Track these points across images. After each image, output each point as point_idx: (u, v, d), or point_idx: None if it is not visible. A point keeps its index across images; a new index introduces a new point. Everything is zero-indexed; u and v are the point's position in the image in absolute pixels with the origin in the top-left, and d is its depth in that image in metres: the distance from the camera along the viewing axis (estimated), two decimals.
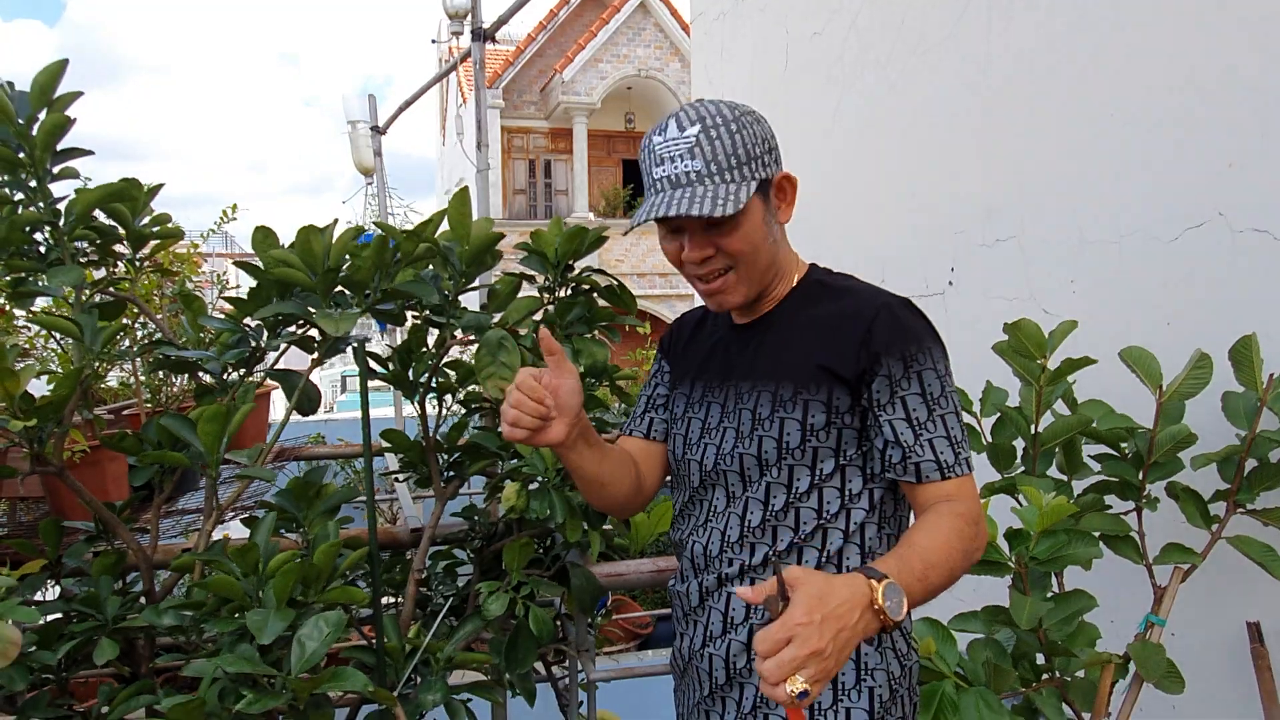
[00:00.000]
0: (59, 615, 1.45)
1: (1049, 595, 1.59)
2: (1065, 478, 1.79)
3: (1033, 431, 1.76)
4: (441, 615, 1.53)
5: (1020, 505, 1.59)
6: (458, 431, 1.85)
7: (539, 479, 1.56)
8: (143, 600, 1.56)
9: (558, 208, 18.13)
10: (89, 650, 1.49)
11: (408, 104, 4.47)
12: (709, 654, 1.28)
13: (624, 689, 2.94)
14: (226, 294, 1.74)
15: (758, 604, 0.95)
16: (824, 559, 1.21)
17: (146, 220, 1.78)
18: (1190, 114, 2.00)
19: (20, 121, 1.50)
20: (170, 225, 1.82)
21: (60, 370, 1.99)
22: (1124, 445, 1.73)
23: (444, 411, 1.91)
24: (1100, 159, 2.23)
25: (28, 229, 1.50)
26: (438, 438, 1.81)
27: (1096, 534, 1.61)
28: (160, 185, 1.81)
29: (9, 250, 1.48)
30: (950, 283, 2.80)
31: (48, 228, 1.54)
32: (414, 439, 1.84)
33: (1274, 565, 1.56)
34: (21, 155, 1.53)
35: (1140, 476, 1.69)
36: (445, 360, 1.79)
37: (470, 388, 1.86)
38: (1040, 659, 1.56)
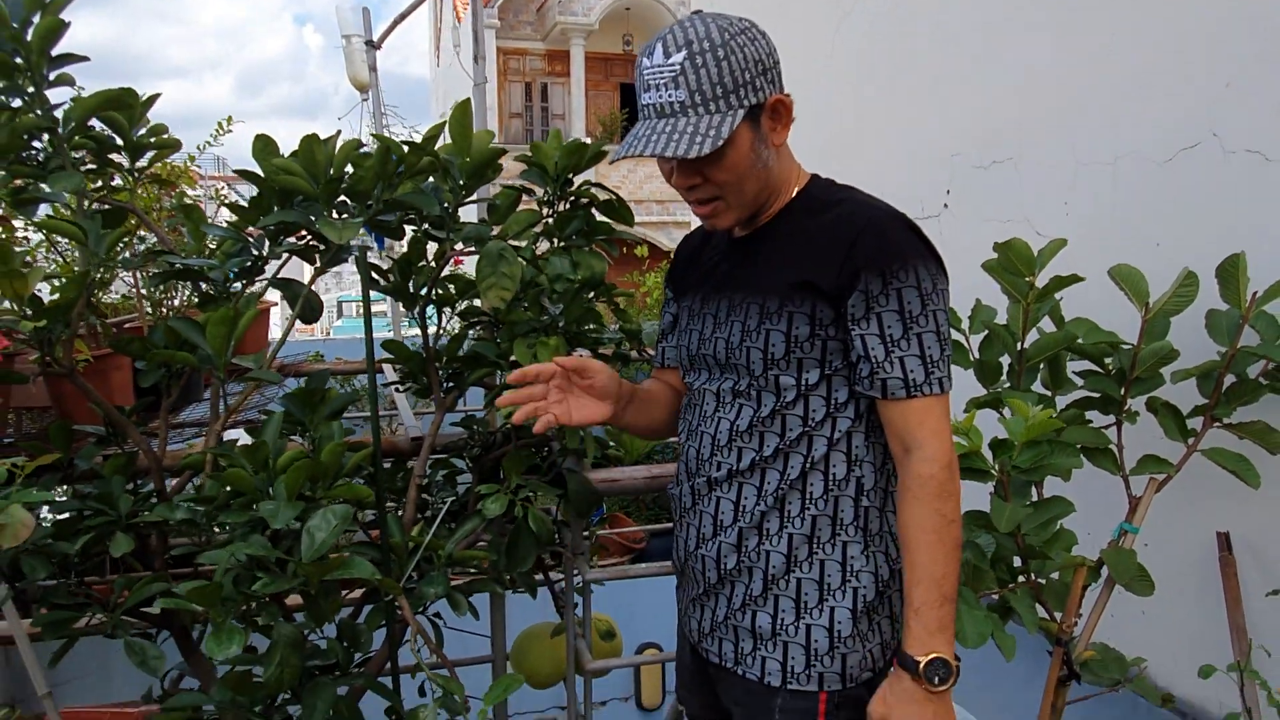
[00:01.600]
0: (72, 514, 1.51)
1: (1028, 503, 1.66)
2: (1050, 393, 1.84)
3: (1019, 348, 1.80)
4: (440, 518, 1.59)
5: (1006, 418, 1.64)
6: (456, 343, 1.88)
7: None
8: (153, 500, 1.62)
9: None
10: (102, 551, 1.56)
11: (403, 17, 4.38)
12: (701, 555, 1.33)
13: (616, 597, 3.05)
14: (228, 204, 1.75)
15: None
16: (809, 464, 1.25)
17: (144, 131, 1.79)
18: (1187, 35, 2.00)
19: (15, 25, 1.50)
20: (167, 136, 1.82)
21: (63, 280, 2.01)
22: (1108, 361, 1.78)
23: (443, 324, 1.94)
24: (1096, 81, 2.23)
25: (26, 136, 1.50)
26: (437, 349, 1.84)
27: (1078, 446, 1.67)
28: (157, 95, 1.80)
29: (9, 157, 1.48)
30: (946, 205, 2.82)
31: (46, 134, 1.55)
32: (414, 351, 1.88)
33: (1248, 473, 1.62)
34: (17, 60, 1.52)
35: (1122, 392, 1.74)
36: (444, 273, 1.81)
37: (469, 301, 1.89)
38: (1018, 562, 1.63)
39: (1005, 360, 1.84)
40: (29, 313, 1.33)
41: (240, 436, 1.93)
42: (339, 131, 1.59)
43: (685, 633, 1.44)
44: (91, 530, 1.40)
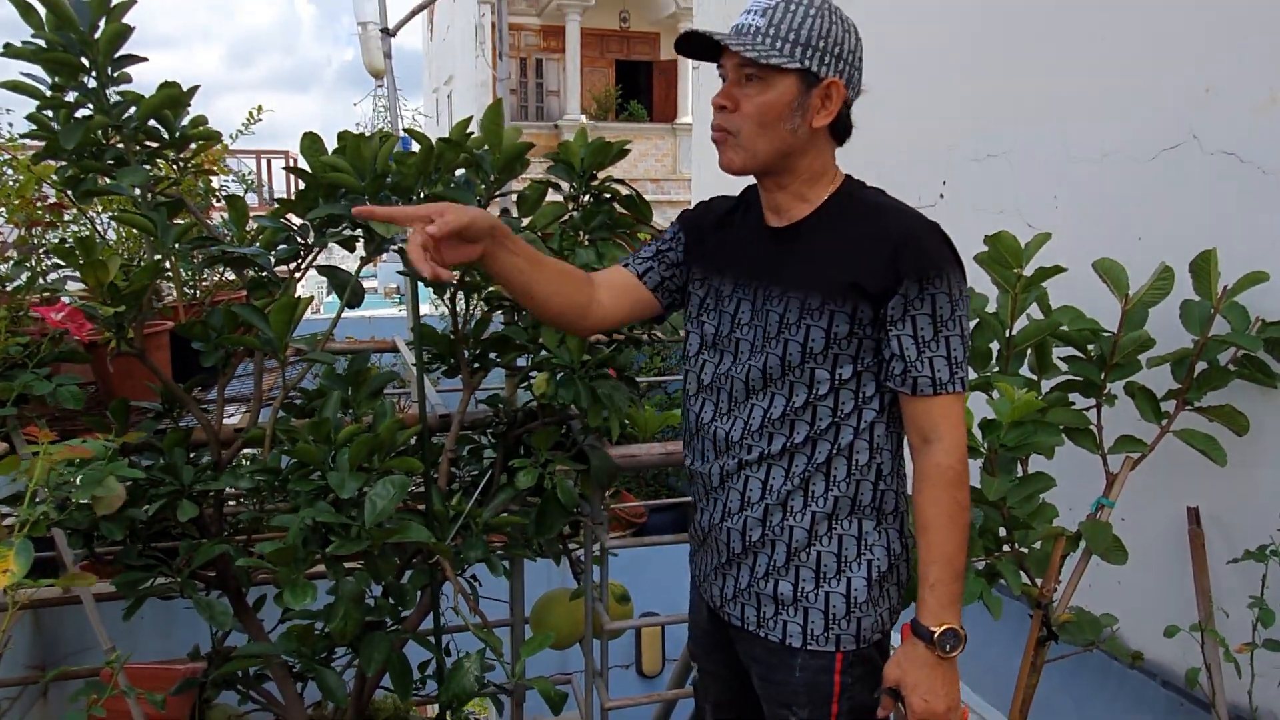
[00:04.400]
0: (141, 483, 1.63)
1: (1014, 478, 1.80)
2: (1035, 377, 1.98)
3: (1007, 334, 1.94)
4: (480, 488, 1.72)
5: (994, 399, 1.78)
6: (482, 326, 2.01)
7: (566, 369, 1.74)
8: (208, 472, 1.75)
9: (549, 109, 17.86)
10: (163, 518, 1.69)
11: (422, 7, 4.45)
12: (727, 528, 1.43)
13: (615, 569, 3.20)
14: (277, 197, 1.87)
15: None
16: (834, 450, 1.36)
17: (186, 122, 1.89)
18: (1171, 38, 2.12)
19: (83, 29, 1.61)
20: (206, 128, 1.93)
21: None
22: (1090, 348, 1.92)
23: (470, 309, 2.07)
24: (1087, 80, 2.36)
25: (96, 134, 1.62)
26: (465, 332, 1.97)
27: (1060, 426, 1.81)
28: (196, 87, 1.91)
29: (82, 152, 1.60)
30: (941, 195, 2.95)
31: (112, 131, 1.66)
32: (443, 334, 2.00)
33: (1215, 452, 1.77)
34: (84, 61, 1.64)
35: (1102, 376, 1.89)
36: None
37: (494, 287, 2.02)
38: (1003, 532, 1.78)
39: (995, 346, 1.98)
40: (108, 299, 1.45)
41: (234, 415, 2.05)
42: (382, 131, 1.71)
43: (704, 597, 1.55)
44: (162, 498, 1.53)
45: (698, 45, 1.36)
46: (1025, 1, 2.56)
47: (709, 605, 1.54)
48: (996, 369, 1.99)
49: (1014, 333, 1.93)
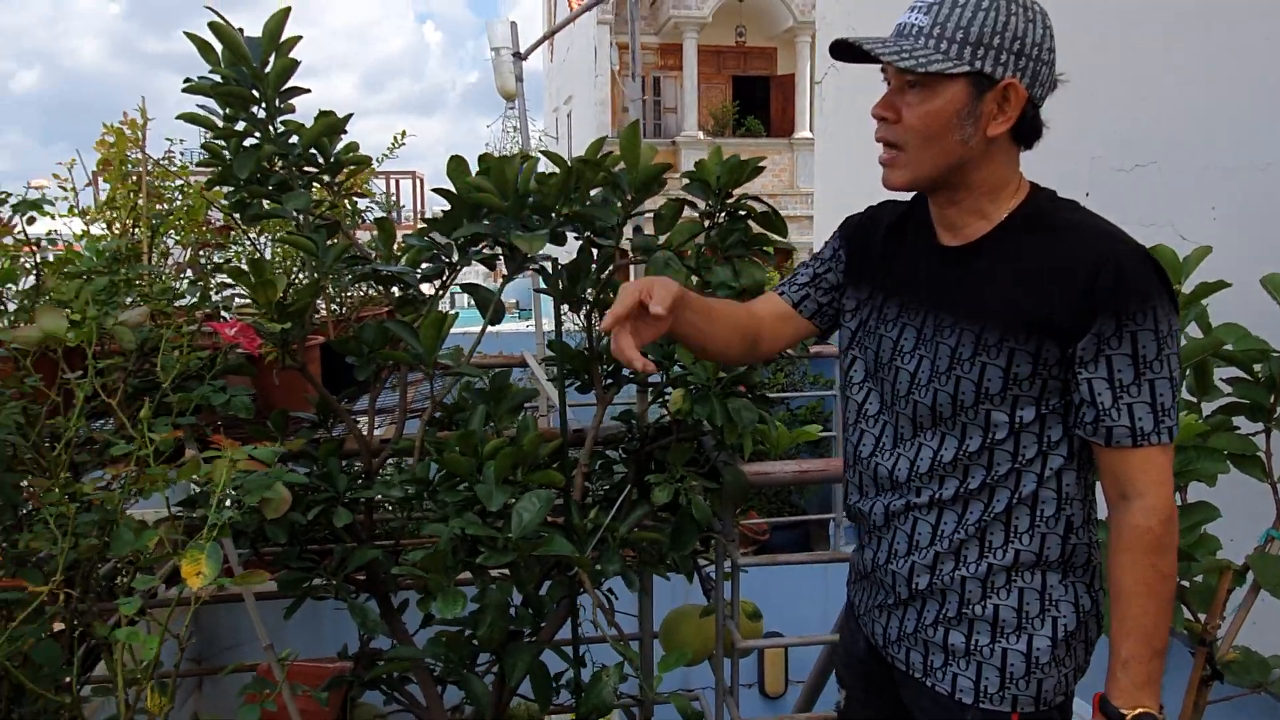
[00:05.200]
0: (299, 489, 1.73)
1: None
2: (1195, 399, 1.86)
3: None
4: (619, 504, 1.75)
5: None
6: None
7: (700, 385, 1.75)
8: (359, 480, 1.84)
9: (666, 126, 18.04)
10: (318, 523, 1.78)
11: (551, 34, 4.61)
12: (892, 570, 1.31)
13: (747, 586, 3.18)
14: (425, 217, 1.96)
15: None
16: (1015, 499, 1.21)
17: (339, 148, 2.00)
18: None
19: (254, 65, 1.73)
20: (358, 154, 2.04)
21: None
22: (1257, 368, 1.80)
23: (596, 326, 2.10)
24: (1248, 84, 2.22)
25: (265, 162, 1.74)
26: (599, 349, 2.01)
27: (1224, 452, 1.70)
28: (350, 115, 2.01)
29: (250, 179, 1.72)
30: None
31: (278, 158, 1.78)
32: (577, 350, 2.04)
33: None
34: (255, 93, 1.76)
35: (1271, 399, 1.76)
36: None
37: None
38: None
39: None
40: (275, 316, 1.54)
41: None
42: (523, 153, 1.77)
43: (864, 631, 1.43)
44: (320, 504, 1.62)
45: (853, 50, 1.21)
46: (1173, 2, 2.44)
47: (870, 641, 1.43)
48: None
49: None
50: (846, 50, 1.22)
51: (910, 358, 1.27)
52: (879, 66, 1.22)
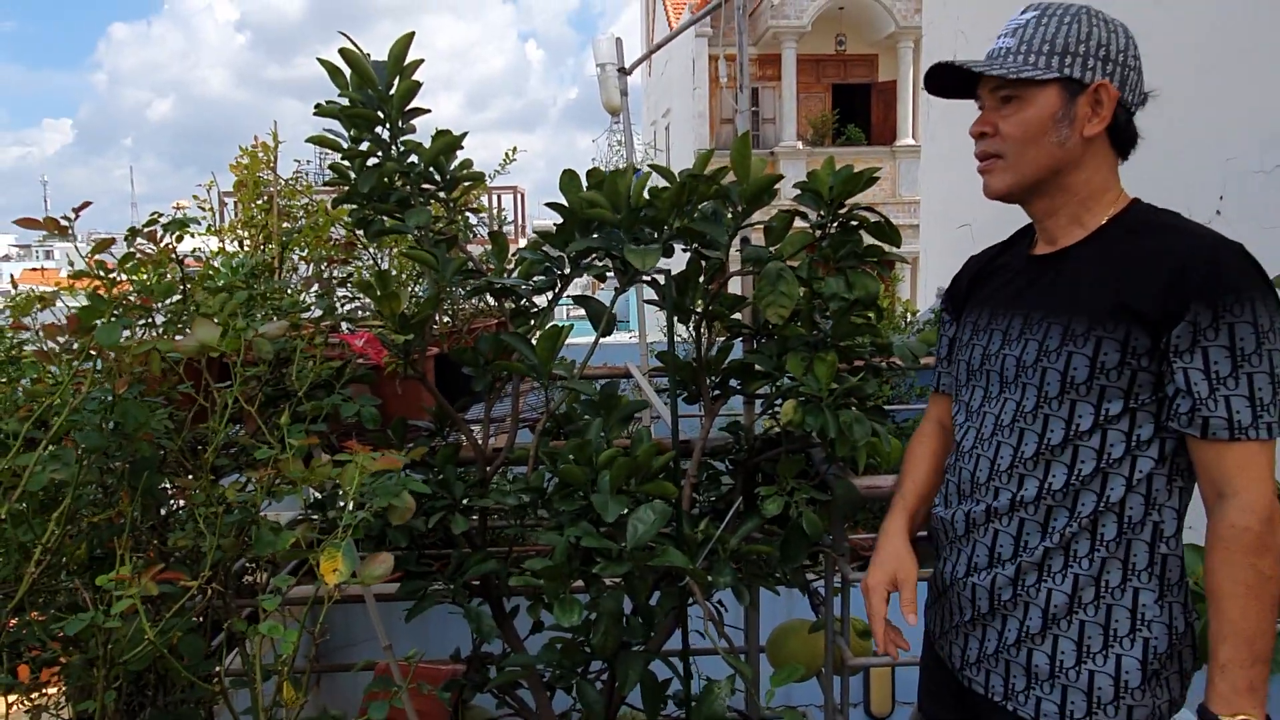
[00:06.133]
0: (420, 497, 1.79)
1: None
2: None
3: None
4: (731, 514, 1.74)
5: None
6: (723, 354, 2.04)
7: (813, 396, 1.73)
8: (474, 488, 1.88)
9: (764, 136, 17.95)
10: (436, 528, 1.83)
11: (656, 48, 4.68)
12: (972, 583, 1.31)
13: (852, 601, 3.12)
14: (538, 228, 2.01)
15: None
16: (1101, 505, 1.20)
17: (454, 165, 2.07)
18: None
19: (380, 88, 1.80)
20: (473, 170, 2.10)
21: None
22: None
23: (711, 336, 2.10)
24: None
25: (387, 180, 1.81)
26: (707, 359, 2.01)
27: None
28: (465, 134, 2.07)
29: (373, 196, 1.79)
30: (1218, 211, 2.68)
31: (399, 176, 1.85)
32: (685, 361, 2.05)
33: None
34: (380, 114, 1.83)
35: None
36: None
37: (735, 315, 2.05)
38: None
39: None
40: (398, 327, 1.61)
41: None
42: (631, 165, 1.79)
43: (941, 655, 1.42)
44: (439, 511, 1.67)
45: (949, 83, 1.33)
46: None
47: (948, 666, 1.40)
48: None
49: None
50: (940, 83, 1.32)
51: (998, 359, 1.30)
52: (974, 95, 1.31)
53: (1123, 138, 1.27)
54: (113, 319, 1.19)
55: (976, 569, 1.30)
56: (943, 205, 5.00)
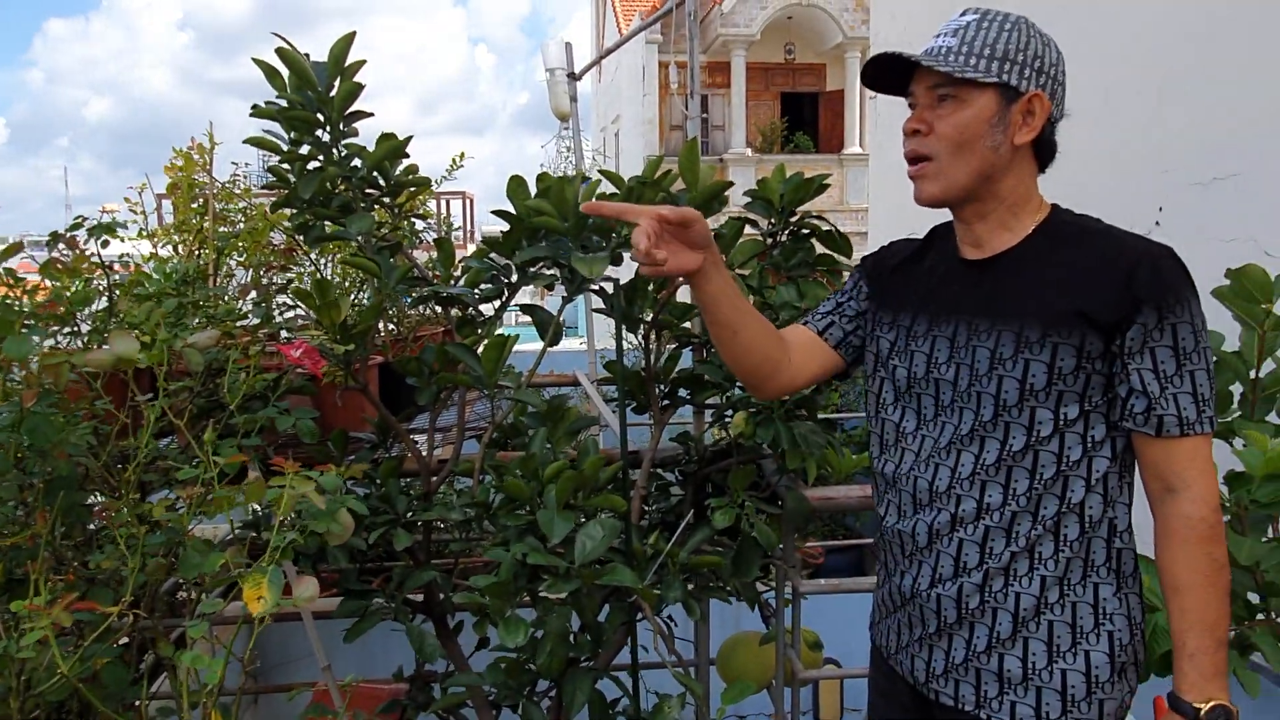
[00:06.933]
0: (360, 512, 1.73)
1: (1264, 539, 1.61)
2: None
3: (1252, 377, 1.75)
4: (680, 529, 1.71)
5: (1240, 450, 1.61)
6: (672, 364, 2.01)
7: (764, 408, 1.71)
8: (418, 502, 1.83)
9: (714, 143, 18.04)
10: (376, 544, 1.77)
11: (606, 54, 4.66)
12: (937, 594, 1.28)
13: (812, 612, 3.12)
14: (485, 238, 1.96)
15: None
16: (1064, 507, 1.22)
17: (400, 170, 2.01)
18: None
19: (320, 89, 1.74)
20: (418, 175, 2.04)
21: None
22: None
23: (660, 345, 2.08)
24: None
25: (328, 184, 1.75)
26: (655, 369, 1.98)
27: None
28: (410, 138, 2.02)
29: (314, 201, 1.73)
30: (1157, 223, 2.73)
31: (341, 181, 1.79)
32: (634, 370, 2.02)
33: None
34: (320, 117, 1.77)
35: None
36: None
37: (684, 324, 2.02)
38: (1255, 599, 1.59)
39: (1236, 389, 1.79)
40: (339, 337, 1.55)
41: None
42: (581, 173, 1.76)
43: (899, 671, 1.39)
44: (380, 527, 1.61)
45: (884, 78, 1.31)
46: (1258, 4, 2.35)
47: (906, 681, 1.38)
48: (1239, 414, 1.80)
49: (1261, 375, 1.74)
50: (879, 81, 1.31)
51: (947, 367, 1.29)
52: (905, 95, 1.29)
53: (1045, 150, 1.29)
54: (24, 330, 1.12)
55: (942, 580, 1.29)
56: (890, 214, 5.06)
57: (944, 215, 1.39)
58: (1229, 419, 1.80)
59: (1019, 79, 1.21)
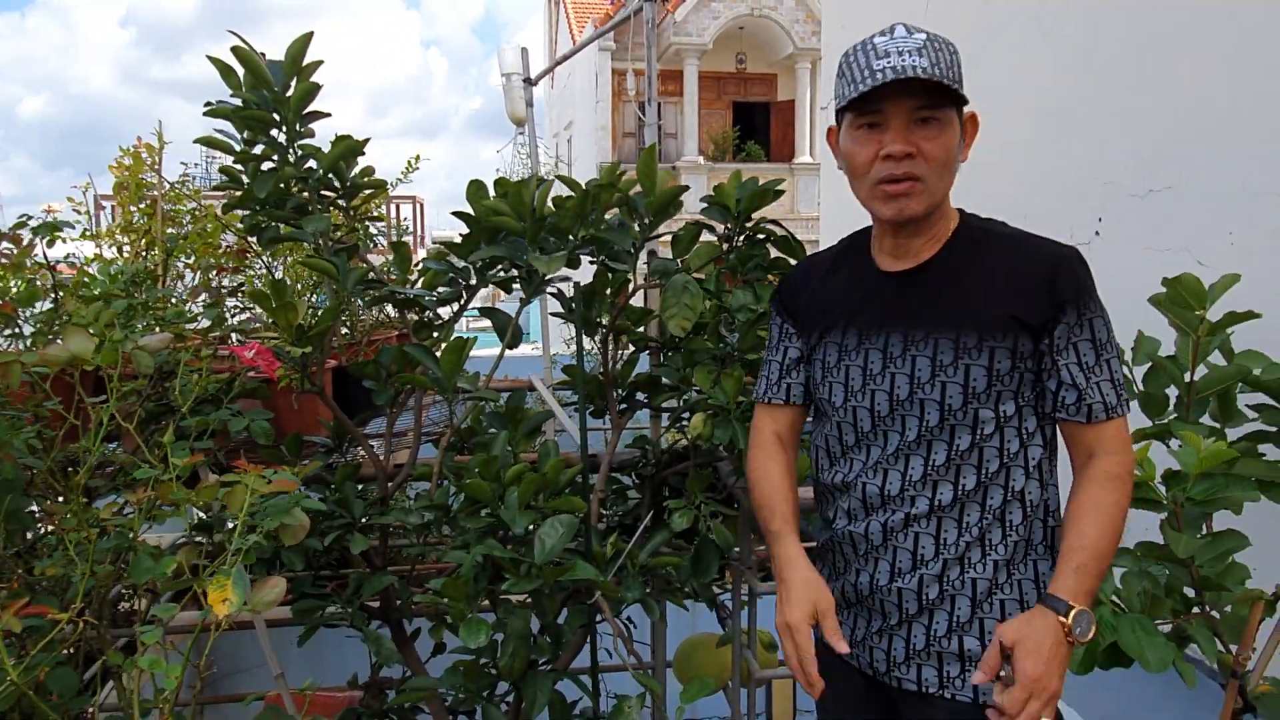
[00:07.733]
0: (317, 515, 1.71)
1: (1199, 535, 1.68)
2: (1219, 425, 1.85)
3: (1187, 380, 1.82)
4: (641, 530, 1.72)
5: (1177, 449, 1.67)
6: (630, 367, 2.02)
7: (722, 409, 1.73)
8: (375, 506, 1.81)
9: (667, 151, 18.12)
10: (332, 548, 1.75)
11: (561, 60, 4.66)
12: (898, 588, 1.34)
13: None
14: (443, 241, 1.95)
15: (990, 679, 1.20)
16: (1009, 495, 1.31)
17: (355, 172, 1.99)
18: None
19: (276, 89, 1.72)
20: (374, 178, 2.03)
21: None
22: None
23: (618, 350, 2.09)
24: (1269, 107, 2.22)
25: (284, 185, 1.73)
26: (614, 373, 1.99)
27: (1253, 479, 1.68)
28: (367, 139, 2.00)
29: (268, 202, 1.71)
30: (1097, 233, 2.82)
31: (296, 182, 1.77)
32: (593, 375, 2.03)
33: None
34: (275, 117, 1.75)
35: None
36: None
37: (639, 329, 2.04)
38: (1190, 593, 1.65)
39: (1172, 392, 1.86)
40: (295, 340, 1.53)
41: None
42: (537, 175, 1.76)
43: (855, 665, 1.43)
44: (336, 530, 1.60)
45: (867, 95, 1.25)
46: (1195, 20, 2.44)
47: (864, 673, 1.42)
48: (1175, 416, 1.87)
49: (1195, 379, 1.81)
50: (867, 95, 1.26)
51: (884, 378, 1.34)
52: (873, 100, 1.26)
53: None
54: None
55: (901, 573, 1.34)
56: (841, 222, 5.13)
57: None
58: (1165, 421, 1.86)
59: (962, 99, 1.27)
